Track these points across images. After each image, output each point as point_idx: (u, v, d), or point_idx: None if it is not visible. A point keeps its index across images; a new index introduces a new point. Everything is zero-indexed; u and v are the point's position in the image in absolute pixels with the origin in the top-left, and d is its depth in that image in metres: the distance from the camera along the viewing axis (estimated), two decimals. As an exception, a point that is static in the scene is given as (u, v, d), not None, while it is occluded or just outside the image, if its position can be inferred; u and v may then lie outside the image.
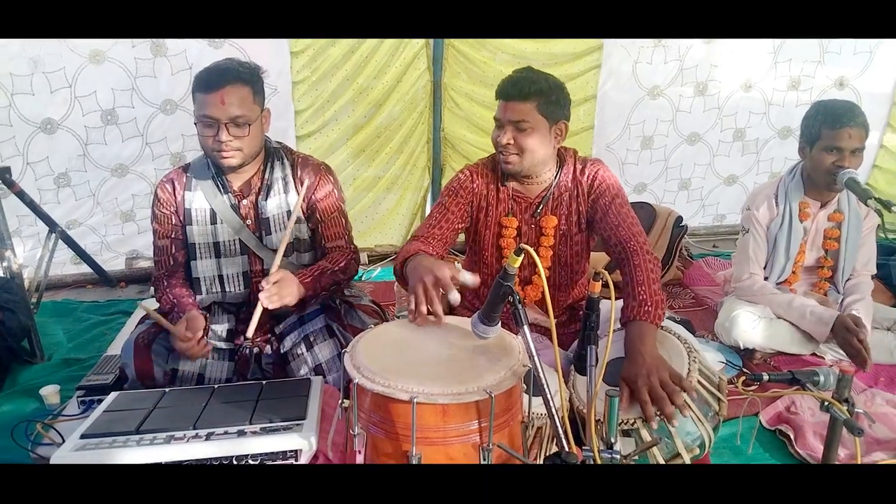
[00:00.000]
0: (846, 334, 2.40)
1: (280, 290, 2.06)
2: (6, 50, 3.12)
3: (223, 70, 2.08)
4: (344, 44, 3.60)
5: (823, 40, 4.16)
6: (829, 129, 2.45)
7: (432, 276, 1.68)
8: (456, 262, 3.32)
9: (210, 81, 2.06)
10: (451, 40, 3.73)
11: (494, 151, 2.28)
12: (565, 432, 1.40)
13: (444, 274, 1.68)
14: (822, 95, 4.22)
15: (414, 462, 1.40)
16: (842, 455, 1.89)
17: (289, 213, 2.29)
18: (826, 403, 1.58)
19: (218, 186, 2.25)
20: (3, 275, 2.90)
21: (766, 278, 2.72)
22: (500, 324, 1.57)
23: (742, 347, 2.63)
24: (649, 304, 1.91)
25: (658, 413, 1.68)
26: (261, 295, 2.04)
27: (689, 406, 1.72)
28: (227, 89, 2.05)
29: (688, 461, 1.76)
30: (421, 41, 3.72)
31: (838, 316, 2.46)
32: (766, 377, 1.79)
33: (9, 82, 3.19)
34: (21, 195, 3.12)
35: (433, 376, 1.45)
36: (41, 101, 3.27)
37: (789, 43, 4.13)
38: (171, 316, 2.20)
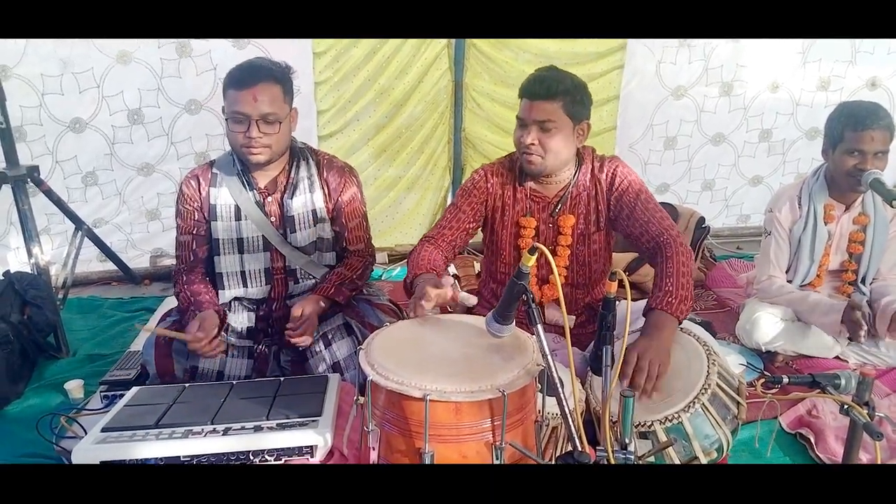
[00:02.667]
0: (851, 311, 2.38)
1: (307, 328, 2.18)
2: (37, 51, 3.19)
3: (256, 68, 2.13)
4: (366, 44, 3.63)
5: (855, 40, 4.08)
6: (852, 131, 2.41)
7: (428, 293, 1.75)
8: (475, 263, 3.33)
9: (243, 79, 2.09)
10: (473, 40, 3.73)
11: (514, 151, 2.28)
12: (578, 432, 1.39)
13: (445, 293, 1.76)
14: (853, 96, 4.14)
15: (427, 459, 1.41)
16: (864, 460, 1.85)
17: (314, 211, 2.32)
18: (846, 407, 1.55)
19: (243, 183, 2.28)
20: (30, 272, 2.96)
21: (790, 281, 2.68)
22: (514, 322, 1.57)
23: (764, 350, 2.60)
24: (673, 295, 1.91)
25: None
26: (289, 336, 2.17)
27: (706, 407, 1.70)
28: (259, 87, 2.08)
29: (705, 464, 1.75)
30: (443, 42, 3.73)
31: (847, 303, 2.43)
32: (785, 380, 1.76)
33: (39, 83, 3.26)
34: (49, 194, 3.19)
35: (447, 374, 1.46)
36: (70, 101, 3.34)
37: (819, 43, 4.06)
38: (188, 315, 2.23)
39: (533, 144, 2.08)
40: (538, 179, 2.21)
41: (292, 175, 2.30)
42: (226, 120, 2.16)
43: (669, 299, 1.90)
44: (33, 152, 3.36)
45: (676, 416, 1.72)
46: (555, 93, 2.04)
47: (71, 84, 3.31)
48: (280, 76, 2.16)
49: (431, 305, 1.75)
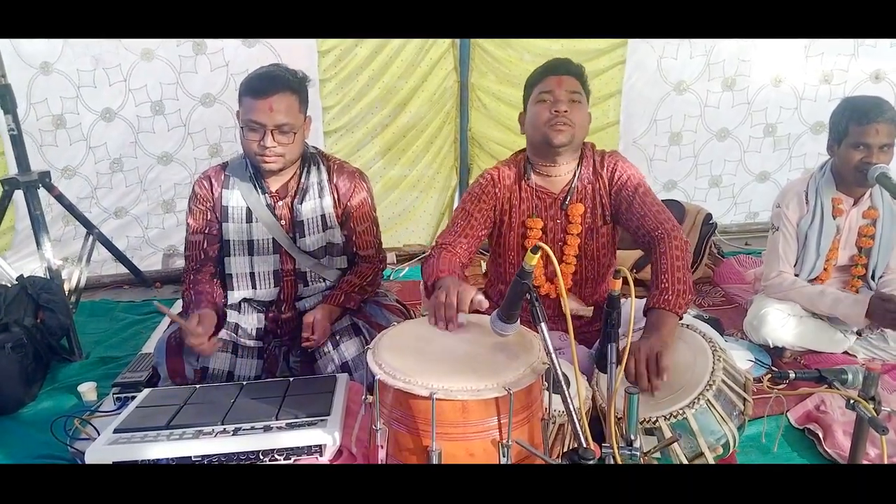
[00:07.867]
0: (883, 304, 2.37)
1: (321, 334, 2.22)
2: (73, 49, 3.43)
3: (273, 77, 2.12)
4: (370, 44, 3.68)
5: (857, 34, 4.07)
6: (856, 125, 2.41)
7: (454, 297, 1.70)
8: (481, 262, 3.34)
9: (260, 88, 2.09)
10: (478, 40, 3.75)
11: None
12: (583, 429, 1.40)
13: (465, 298, 1.71)
14: (856, 89, 4.14)
15: (434, 457, 1.42)
16: (872, 455, 1.85)
17: (323, 216, 2.34)
18: (852, 401, 1.56)
19: (255, 187, 2.30)
20: (43, 276, 2.99)
21: (796, 275, 2.68)
22: (518, 321, 1.58)
23: (771, 346, 2.60)
24: (670, 292, 1.91)
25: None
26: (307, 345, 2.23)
27: (711, 403, 1.71)
28: (275, 97, 2.09)
29: (711, 461, 1.76)
30: (447, 42, 3.75)
31: (873, 295, 2.43)
32: (792, 375, 1.77)
33: (76, 76, 3.49)
34: (60, 199, 3.24)
35: (453, 373, 1.47)
36: (102, 93, 3.57)
37: (821, 37, 4.06)
38: (188, 313, 2.25)
39: (567, 111, 2.09)
40: (544, 174, 2.21)
41: (303, 180, 2.32)
42: (240, 127, 2.17)
43: (666, 296, 1.91)
44: (71, 137, 3.58)
45: (681, 412, 1.73)
46: (578, 71, 2.16)
47: (102, 78, 3.53)
48: (296, 86, 2.16)
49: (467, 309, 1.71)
